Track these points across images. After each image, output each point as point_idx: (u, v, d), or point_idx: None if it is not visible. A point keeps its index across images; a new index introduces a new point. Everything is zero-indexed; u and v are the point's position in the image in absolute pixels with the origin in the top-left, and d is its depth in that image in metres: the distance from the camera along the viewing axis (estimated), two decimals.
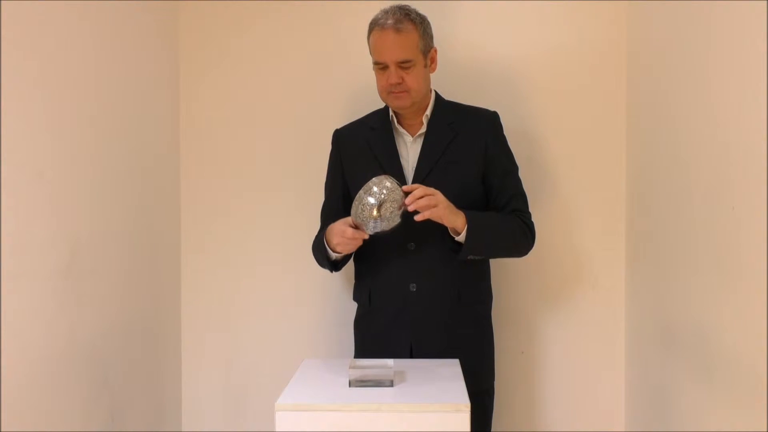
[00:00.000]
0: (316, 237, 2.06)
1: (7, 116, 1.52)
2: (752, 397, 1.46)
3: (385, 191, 1.76)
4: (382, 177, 1.80)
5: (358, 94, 2.33)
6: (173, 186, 2.42)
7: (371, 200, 1.76)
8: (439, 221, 1.81)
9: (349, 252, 1.91)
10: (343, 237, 1.84)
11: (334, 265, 2.00)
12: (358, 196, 1.78)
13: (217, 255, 2.45)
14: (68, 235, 1.76)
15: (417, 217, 1.77)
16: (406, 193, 1.78)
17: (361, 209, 1.77)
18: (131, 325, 2.10)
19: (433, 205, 1.78)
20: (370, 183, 1.78)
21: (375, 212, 1.76)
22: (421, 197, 1.76)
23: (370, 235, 1.82)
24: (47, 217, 1.68)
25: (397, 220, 1.78)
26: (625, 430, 2.34)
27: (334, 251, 1.93)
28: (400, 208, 1.78)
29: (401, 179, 1.91)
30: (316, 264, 2.07)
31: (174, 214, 2.43)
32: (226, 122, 2.44)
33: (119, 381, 2.02)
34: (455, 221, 1.83)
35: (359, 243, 1.85)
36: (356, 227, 1.82)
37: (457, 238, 1.87)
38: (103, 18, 1.95)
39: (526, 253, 2.02)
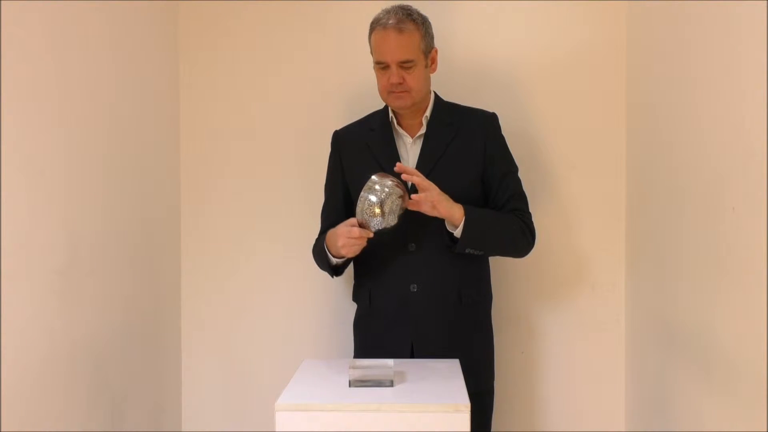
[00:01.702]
0: (317, 241, 2.06)
1: (7, 116, 1.53)
2: (752, 397, 1.46)
3: (387, 189, 1.77)
4: (383, 175, 1.81)
5: (357, 95, 2.33)
6: (173, 186, 2.42)
7: (373, 198, 1.76)
8: (434, 210, 1.81)
9: (354, 254, 1.88)
10: (350, 237, 1.82)
11: (335, 270, 2.01)
12: (360, 195, 1.79)
13: (217, 255, 2.45)
14: (68, 235, 1.76)
15: (410, 202, 1.78)
16: (407, 188, 1.79)
17: (368, 207, 1.77)
18: (131, 325, 2.10)
19: (426, 188, 1.79)
20: (370, 182, 1.79)
21: (377, 209, 1.76)
22: (416, 175, 1.80)
23: (375, 234, 1.81)
24: (47, 217, 1.68)
25: (397, 218, 1.79)
26: (625, 430, 2.34)
27: (338, 255, 1.92)
28: (401, 208, 1.79)
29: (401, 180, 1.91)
30: (316, 265, 2.07)
31: (174, 214, 2.43)
32: (226, 122, 2.44)
33: (119, 381, 2.02)
34: (451, 209, 1.83)
35: (364, 243, 1.84)
36: (362, 226, 1.81)
37: (454, 232, 1.87)
38: (102, 18, 1.95)
39: (526, 254, 2.01)
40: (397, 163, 1.81)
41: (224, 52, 2.43)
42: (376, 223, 1.78)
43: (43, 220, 1.67)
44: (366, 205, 1.77)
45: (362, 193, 1.78)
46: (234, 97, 2.44)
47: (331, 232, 1.92)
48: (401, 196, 1.79)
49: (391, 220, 1.78)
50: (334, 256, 1.95)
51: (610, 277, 2.35)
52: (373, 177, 1.79)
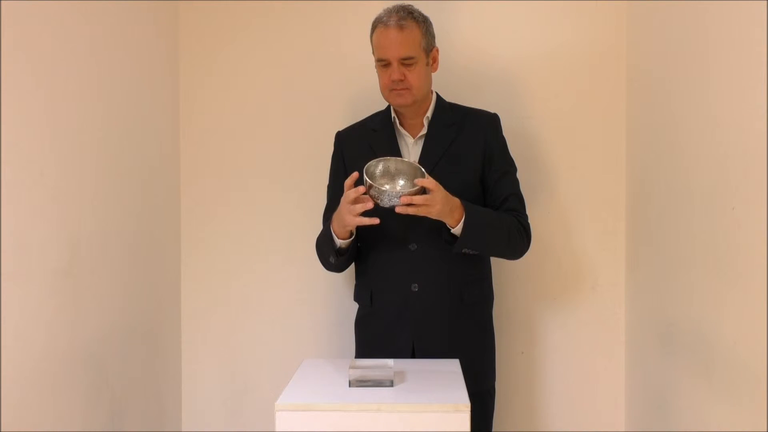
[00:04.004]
0: (320, 233, 2.05)
1: (7, 116, 1.53)
2: (752, 397, 1.46)
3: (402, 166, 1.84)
4: (413, 164, 1.84)
5: (359, 95, 2.34)
6: (173, 186, 2.42)
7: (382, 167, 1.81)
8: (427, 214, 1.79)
9: (357, 223, 1.81)
10: (354, 199, 1.77)
11: (338, 254, 1.94)
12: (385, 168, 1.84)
13: (217, 255, 2.45)
14: (68, 235, 1.76)
15: (399, 207, 1.75)
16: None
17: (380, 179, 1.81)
18: (131, 325, 2.10)
19: (423, 213, 1.76)
20: (393, 162, 1.84)
21: (390, 186, 1.80)
22: (411, 204, 1.74)
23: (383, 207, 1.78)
24: (47, 217, 1.68)
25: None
26: (625, 430, 2.34)
27: (342, 235, 1.89)
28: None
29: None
30: (317, 264, 2.06)
31: (174, 214, 2.43)
32: (226, 122, 2.44)
33: (119, 381, 2.02)
34: (445, 216, 1.82)
35: (368, 206, 1.78)
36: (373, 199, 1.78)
37: (453, 230, 1.86)
38: (103, 18, 1.95)
39: (521, 255, 2.01)
40: (418, 180, 1.76)
41: (224, 52, 2.43)
42: (387, 199, 1.76)
43: (43, 220, 1.67)
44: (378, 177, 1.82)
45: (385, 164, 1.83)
46: (234, 97, 2.44)
47: (336, 212, 1.88)
48: (409, 184, 1.82)
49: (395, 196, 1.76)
50: (339, 238, 1.91)
51: (610, 277, 2.35)
52: (400, 162, 1.84)
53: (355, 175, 1.81)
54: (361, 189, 1.77)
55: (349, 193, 1.79)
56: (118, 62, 2.03)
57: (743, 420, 1.51)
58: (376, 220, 1.79)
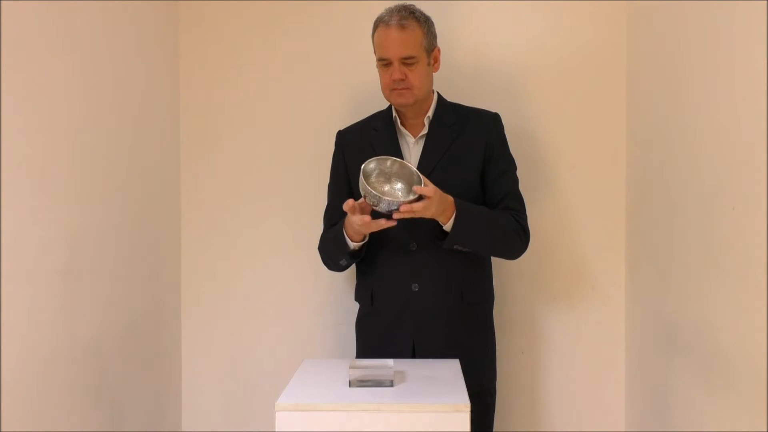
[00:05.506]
0: (324, 236, 2.05)
1: (7, 116, 1.53)
2: (752, 397, 1.46)
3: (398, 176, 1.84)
4: (404, 164, 1.83)
5: (359, 95, 2.34)
6: (173, 185, 2.42)
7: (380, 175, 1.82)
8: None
9: (376, 228, 1.81)
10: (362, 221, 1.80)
11: (353, 258, 1.96)
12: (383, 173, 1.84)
13: (217, 255, 2.45)
14: (68, 235, 1.76)
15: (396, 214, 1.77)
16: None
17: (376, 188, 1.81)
18: (131, 325, 2.10)
19: (419, 215, 1.77)
20: (390, 164, 1.83)
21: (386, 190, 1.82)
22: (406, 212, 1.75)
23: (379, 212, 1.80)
24: (47, 217, 1.68)
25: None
26: (625, 430, 2.34)
27: (357, 234, 1.88)
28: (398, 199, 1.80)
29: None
30: (318, 264, 2.07)
31: (174, 214, 2.43)
32: (226, 122, 2.44)
33: (119, 381, 2.02)
34: (441, 218, 1.82)
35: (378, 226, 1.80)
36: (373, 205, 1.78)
37: (444, 226, 1.86)
38: (103, 18, 1.95)
39: (518, 255, 2.00)
40: (416, 187, 1.76)
41: (224, 52, 2.43)
42: (386, 205, 1.77)
43: (43, 220, 1.67)
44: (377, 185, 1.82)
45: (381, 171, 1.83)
46: (234, 97, 2.44)
47: (347, 221, 1.88)
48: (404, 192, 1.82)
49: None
50: (353, 241, 1.91)
51: (610, 277, 2.35)
52: (395, 164, 1.83)
53: (350, 201, 1.80)
54: (360, 214, 1.79)
55: (355, 219, 1.79)
56: (118, 62, 2.03)
57: (743, 420, 1.51)
58: (393, 223, 1.80)
